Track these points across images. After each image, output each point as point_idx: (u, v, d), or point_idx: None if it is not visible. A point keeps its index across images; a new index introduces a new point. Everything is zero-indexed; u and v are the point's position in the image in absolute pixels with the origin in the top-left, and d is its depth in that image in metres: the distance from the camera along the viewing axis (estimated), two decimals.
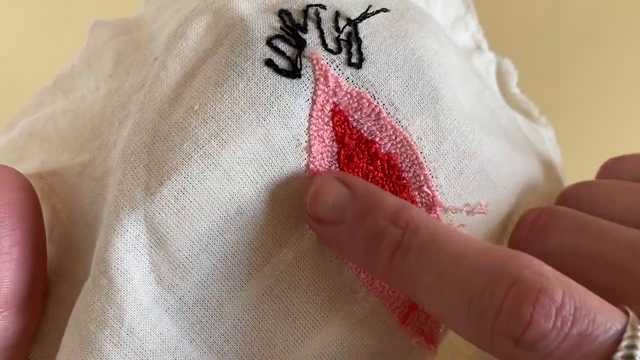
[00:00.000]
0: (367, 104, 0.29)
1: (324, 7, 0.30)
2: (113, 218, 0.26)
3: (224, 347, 0.29)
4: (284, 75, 0.28)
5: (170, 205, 0.26)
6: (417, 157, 0.30)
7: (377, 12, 0.30)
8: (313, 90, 0.29)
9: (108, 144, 0.29)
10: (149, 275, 0.27)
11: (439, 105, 0.30)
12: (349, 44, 0.29)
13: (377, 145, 0.30)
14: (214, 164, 0.27)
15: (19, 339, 0.28)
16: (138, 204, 0.26)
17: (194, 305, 0.28)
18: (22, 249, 0.27)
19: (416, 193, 0.30)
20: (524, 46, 0.48)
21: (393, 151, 0.30)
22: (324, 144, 0.29)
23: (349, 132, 0.29)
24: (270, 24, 0.29)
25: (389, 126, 0.30)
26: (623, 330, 0.22)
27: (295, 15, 0.29)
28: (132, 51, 0.31)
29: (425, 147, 0.30)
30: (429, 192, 0.30)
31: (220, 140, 0.27)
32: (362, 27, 0.30)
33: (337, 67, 0.29)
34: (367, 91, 0.29)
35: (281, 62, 0.28)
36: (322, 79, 0.29)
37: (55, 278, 0.30)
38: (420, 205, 0.30)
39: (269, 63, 0.28)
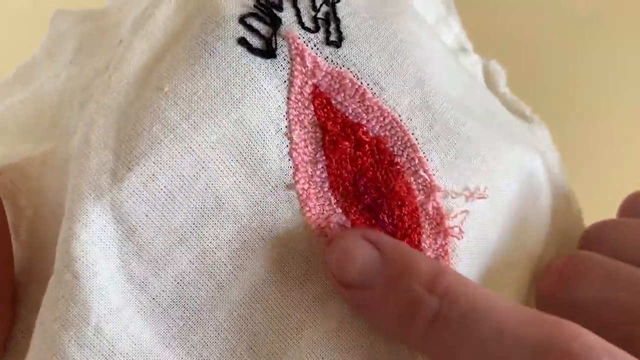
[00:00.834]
0: (349, 85, 0.27)
1: None
2: (77, 207, 0.24)
3: (203, 353, 0.25)
4: (258, 55, 0.26)
5: (139, 193, 0.24)
6: (409, 139, 0.27)
7: None
8: (289, 70, 0.26)
9: (68, 129, 0.27)
10: (118, 271, 0.24)
11: (426, 87, 0.28)
12: (327, 22, 0.27)
13: (364, 129, 0.27)
14: (186, 149, 0.25)
15: None
16: (104, 191, 0.24)
17: (169, 306, 0.25)
18: None
19: (412, 179, 0.27)
20: (508, 49, 0.47)
21: (382, 134, 0.27)
22: (305, 130, 0.27)
23: (332, 115, 0.27)
24: (243, 2, 0.27)
25: (375, 107, 0.27)
26: None
27: None
28: (96, 36, 0.29)
29: (417, 128, 0.28)
30: (426, 176, 0.27)
31: (192, 122, 0.25)
32: (341, 6, 0.28)
33: (315, 46, 0.27)
34: (348, 70, 0.27)
35: (255, 41, 0.26)
36: (298, 59, 0.26)
37: (26, 280, 0.27)
38: (417, 192, 0.28)
39: (242, 42, 0.26)
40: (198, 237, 0.25)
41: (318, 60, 0.27)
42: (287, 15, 0.27)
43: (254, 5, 0.27)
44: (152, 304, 0.25)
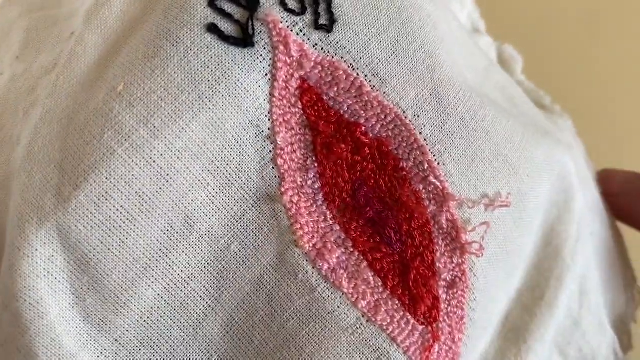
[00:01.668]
0: (344, 77, 0.23)
1: None
2: (17, 234, 0.21)
3: None
4: (232, 44, 0.22)
5: (90, 216, 0.21)
6: (416, 140, 0.23)
7: None
8: (271, 62, 0.22)
9: (12, 139, 0.23)
10: (71, 309, 0.21)
11: (436, 74, 0.24)
12: (316, 2, 0.23)
13: (363, 129, 0.23)
14: (145, 160, 0.21)
15: None
16: (48, 214, 0.21)
17: (136, 348, 0.22)
18: None
19: (421, 187, 0.23)
20: (523, 34, 0.43)
21: (384, 134, 0.23)
22: (293, 132, 0.22)
23: (324, 114, 0.23)
24: None
25: (375, 103, 0.23)
26: None
27: None
28: (46, 28, 0.25)
29: (425, 127, 0.23)
30: (437, 183, 0.23)
31: (152, 127, 0.21)
32: None
33: (301, 31, 0.22)
34: (342, 60, 0.23)
35: (228, 27, 0.22)
36: (281, 47, 0.22)
37: None
38: (427, 202, 0.23)
39: (212, 29, 0.22)
40: (166, 266, 0.22)
41: (305, 48, 0.22)
42: None
43: None
44: (115, 347, 0.22)
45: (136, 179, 0.21)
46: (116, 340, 0.22)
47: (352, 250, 0.23)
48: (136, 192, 0.21)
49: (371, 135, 0.23)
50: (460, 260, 0.24)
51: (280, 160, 0.22)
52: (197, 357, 0.22)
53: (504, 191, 0.24)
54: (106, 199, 0.21)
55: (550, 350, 0.28)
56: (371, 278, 0.23)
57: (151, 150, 0.21)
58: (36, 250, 0.21)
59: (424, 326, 0.23)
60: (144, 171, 0.21)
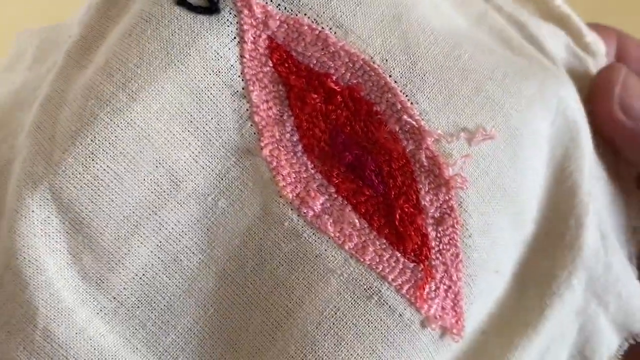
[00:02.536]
0: (309, 31, 0.24)
1: None
2: (15, 199, 0.22)
3: (178, 357, 0.23)
4: (200, 12, 0.23)
5: (79, 176, 0.22)
6: (386, 83, 0.24)
7: None
8: (238, 25, 0.23)
9: (16, 129, 0.25)
10: (69, 268, 0.22)
11: (404, 20, 0.24)
12: None
13: (334, 78, 0.24)
14: (126, 122, 0.22)
15: None
16: (41, 177, 0.22)
17: (134, 305, 0.23)
18: None
19: (397, 128, 0.24)
20: None
21: (354, 81, 0.24)
22: (267, 90, 0.24)
23: (294, 69, 0.24)
24: None
25: (342, 52, 0.24)
26: None
27: None
28: (52, 40, 0.28)
29: (395, 69, 0.24)
30: (412, 121, 0.23)
31: (129, 92, 0.22)
32: None
33: None
34: (305, 16, 0.24)
35: None
36: (246, 11, 0.23)
37: None
38: (405, 140, 0.24)
39: (180, 2, 0.23)
40: (156, 224, 0.22)
41: (269, 9, 0.24)
42: None
43: None
44: (113, 304, 0.23)
45: (119, 139, 0.22)
46: (114, 297, 0.22)
47: (335, 196, 0.23)
48: (120, 152, 0.22)
49: (342, 83, 0.24)
50: (446, 197, 0.24)
51: (257, 117, 0.23)
52: (193, 310, 0.23)
53: (488, 125, 0.24)
54: (92, 160, 0.22)
55: (586, 300, 0.27)
56: (356, 221, 0.23)
57: (130, 113, 0.22)
58: (32, 211, 0.21)
59: (415, 264, 0.23)
60: (125, 132, 0.22)
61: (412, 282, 0.23)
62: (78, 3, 0.27)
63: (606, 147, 0.29)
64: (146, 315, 0.23)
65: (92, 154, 0.22)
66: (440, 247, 0.24)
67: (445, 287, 0.24)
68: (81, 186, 0.22)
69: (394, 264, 0.23)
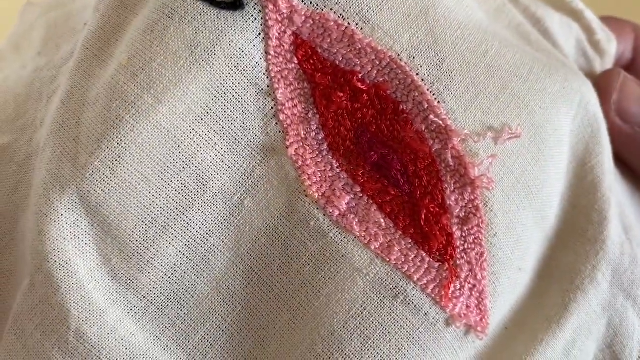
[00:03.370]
0: (335, 27, 0.23)
1: None
2: (43, 202, 0.22)
3: (207, 353, 0.23)
4: (223, 8, 0.23)
5: (106, 180, 0.22)
6: (413, 81, 0.23)
7: None
8: (262, 21, 0.23)
9: (35, 122, 0.25)
10: (99, 269, 0.22)
11: (431, 15, 0.24)
12: None
13: (359, 76, 0.23)
14: (153, 124, 0.22)
15: None
16: (68, 181, 0.22)
17: (164, 304, 0.23)
18: None
19: (423, 127, 0.23)
20: None
21: (381, 79, 0.23)
22: (292, 87, 0.23)
23: (320, 66, 0.23)
24: None
25: (368, 49, 0.23)
26: None
27: None
28: (63, 23, 0.27)
29: (422, 67, 0.23)
30: (439, 121, 0.23)
31: (154, 93, 0.22)
32: None
33: None
34: (331, 11, 0.23)
35: None
36: (271, 6, 0.23)
37: None
38: (431, 140, 0.23)
39: None
40: (184, 224, 0.22)
41: (294, 4, 0.23)
42: None
43: None
44: (143, 303, 0.23)
45: (146, 142, 0.22)
46: (144, 297, 0.23)
47: (360, 195, 0.23)
48: (147, 155, 0.22)
49: (368, 81, 0.23)
50: (472, 196, 0.24)
51: (282, 115, 0.23)
52: (222, 308, 0.23)
53: (514, 124, 0.24)
54: (120, 163, 0.22)
55: (613, 294, 0.27)
56: (382, 220, 0.23)
57: (156, 115, 0.22)
58: (61, 215, 0.22)
59: (440, 263, 0.23)
60: (152, 134, 0.22)
61: (437, 281, 0.23)
62: None
63: None
64: (176, 314, 0.23)
65: (119, 157, 0.22)
66: (465, 246, 0.24)
67: (470, 285, 0.24)
68: (109, 190, 0.22)
69: (419, 264, 0.23)
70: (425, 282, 0.23)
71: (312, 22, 0.23)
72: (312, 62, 0.23)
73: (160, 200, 0.22)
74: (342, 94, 0.23)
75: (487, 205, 0.24)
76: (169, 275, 0.23)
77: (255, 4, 0.23)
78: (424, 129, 0.23)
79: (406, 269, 0.23)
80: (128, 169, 0.22)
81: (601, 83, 0.28)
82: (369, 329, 0.23)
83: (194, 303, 0.23)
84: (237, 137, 0.23)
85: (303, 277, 0.23)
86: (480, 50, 0.24)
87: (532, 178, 0.25)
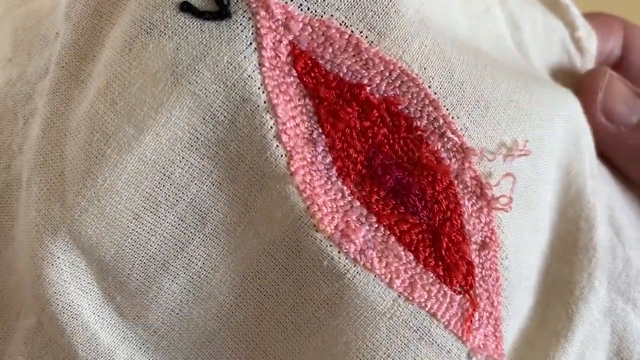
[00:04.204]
0: (337, 36, 0.20)
1: None
2: (37, 246, 0.21)
3: None
4: (208, 19, 0.19)
5: (96, 220, 0.20)
6: (426, 95, 0.21)
7: None
8: (254, 29, 0.19)
9: (11, 146, 0.23)
10: (105, 307, 0.22)
11: (431, 24, 0.22)
12: None
13: (368, 89, 0.20)
14: (137, 157, 0.20)
15: None
16: (59, 223, 0.21)
17: (176, 338, 0.22)
18: None
19: (439, 145, 0.21)
20: None
21: (391, 93, 0.21)
22: (292, 104, 0.20)
23: (323, 79, 0.20)
24: None
25: (376, 59, 0.20)
26: None
27: None
28: (32, 26, 0.24)
29: (434, 79, 0.21)
30: (455, 138, 0.21)
31: (135, 122, 0.19)
32: None
33: None
34: (332, 18, 0.20)
35: (200, 3, 0.20)
36: (262, 12, 0.20)
37: None
38: (448, 160, 0.21)
39: (185, 7, 0.20)
40: (185, 260, 0.21)
41: (290, 9, 0.20)
42: None
43: None
44: (155, 338, 0.22)
45: (132, 177, 0.20)
46: (155, 332, 0.22)
47: (377, 225, 0.20)
48: (135, 190, 0.20)
49: (377, 95, 0.21)
50: (487, 219, 0.22)
51: (284, 136, 0.20)
52: (235, 345, 0.22)
53: (520, 138, 0.22)
54: (107, 202, 0.20)
55: (611, 299, 0.26)
56: (402, 253, 0.20)
57: (139, 146, 0.19)
58: (58, 257, 0.21)
59: (461, 295, 0.21)
60: (138, 168, 0.20)
61: (459, 315, 0.21)
62: None
63: None
64: (188, 348, 0.22)
65: (106, 195, 0.20)
66: (483, 273, 0.22)
67: (487, 314, 0.22)
68: (100, 230, 0.20)
69: (441, 299, 0.21)
70: (448, 317, 0.21)
71: (311, 30, 0.20)
72: (313, 74, 0.20)
73: (156, 237, 0.20)
74: (350, 110, 0.20)
75: (499, 227, 0.22)
76: (177, 312, 0.21)
77: (244, 11, 0.20)
78: (439, 147, 0.21)
79: (429, 306, 0.21)
80: (117, 207, 0.20)
81: (587, 82, 0.28)
82: None
83: (205, 339, 0.22)
84: (233, 162, 0.20)
85: (318, 321, 0.20)
86: (479, 62, 0.22)
87: (531, 193, 0.24)
